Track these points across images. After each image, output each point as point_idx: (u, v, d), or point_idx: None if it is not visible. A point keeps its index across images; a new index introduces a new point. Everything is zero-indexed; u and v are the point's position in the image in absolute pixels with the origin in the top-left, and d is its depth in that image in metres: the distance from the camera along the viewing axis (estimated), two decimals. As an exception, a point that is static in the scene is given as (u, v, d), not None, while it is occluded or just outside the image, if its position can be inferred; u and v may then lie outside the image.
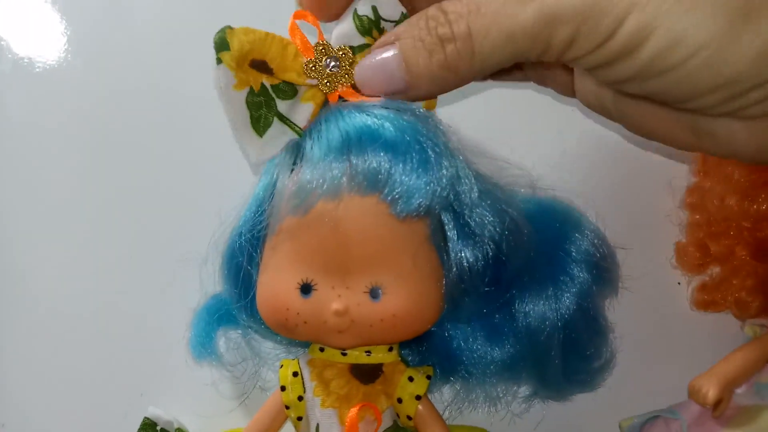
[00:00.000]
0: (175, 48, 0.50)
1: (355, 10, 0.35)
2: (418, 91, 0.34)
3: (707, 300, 0.48)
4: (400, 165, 0.33)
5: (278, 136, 0.36)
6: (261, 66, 0.34)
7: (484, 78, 0.40)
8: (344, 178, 0.34)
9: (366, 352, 0.38)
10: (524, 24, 0.29)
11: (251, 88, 0.34)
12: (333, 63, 0.35)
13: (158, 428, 0.43)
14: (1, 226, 0.48)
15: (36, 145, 0.49)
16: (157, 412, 0.43)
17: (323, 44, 0.35)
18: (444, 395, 0.43)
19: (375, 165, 0.33)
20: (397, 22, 0.35)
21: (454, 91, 0.34)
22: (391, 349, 0.39)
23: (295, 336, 0.38)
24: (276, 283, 0.37)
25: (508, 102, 0.50)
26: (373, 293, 0.36)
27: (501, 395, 0.42)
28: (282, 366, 0.39)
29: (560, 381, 0.41)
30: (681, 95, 0.29)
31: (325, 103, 0.36)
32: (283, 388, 0.39)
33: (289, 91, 0.35)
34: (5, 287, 0.48)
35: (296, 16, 0.35)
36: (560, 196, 0.41)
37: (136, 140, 0.49)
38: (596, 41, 0.29)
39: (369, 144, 0.34)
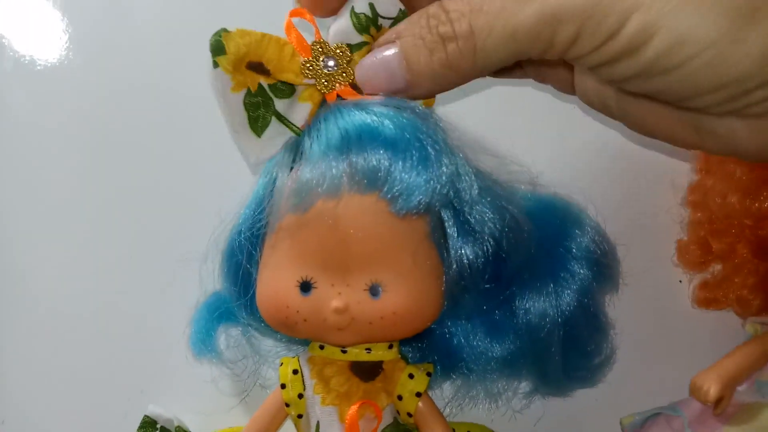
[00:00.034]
0: (176, 47, 0.50)
1: (352, 7, 0.35)
2: (419, 90, 0.34)
3: (709, 298, 0.48)
4: (400, 163, 0.33)
5: (276, 135, 0.36)
6: (258, 68, 0.34)
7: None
8: (344, 177, 0.34)
9: (366, 349, 0.38)
10: (527, 22, 0.29)
11: (248, 89, 0.34)
12: (331, 62, 0.35)
13: (158, 426, 0.43)
14: (1, 224, 0.48)
15: (36, 144, 0.49)
16: (157, 410, 0.43)
17: (320, 43, 0.35)
18: (444, 392, 0.43)
19: (375, 163, 0.33)
20: (394, 20, 0.35)
21: (455, 89, 0.34)
22: (391, 347, 0.39)
23: (295, 334, 0.38)
24: (276, 281, 0.37)
25: (509, 100, 0.50)
26: (373, 291, 0.36)
27: (501, 392, 0.42)
28: (282, 364, 0.39)
29: (560, 377, 0.41)
30: (684, 94, 0.29)
31: (323, 102, 0.36)
32: (283, 386, 0.39)
33: (287, 89, 0.35)
34: (5, 285, 0.48)
35: (293, 13, 0.35)
36: (560, 193, 0.41)
37: (136, 139, 0.49)
38: (599, 40, 0.29)
39: (369, 142, 0.34)
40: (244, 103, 0.35)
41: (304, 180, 0.34)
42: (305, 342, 0.41)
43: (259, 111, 0.35)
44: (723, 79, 0.28)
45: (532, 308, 0.39)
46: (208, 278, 0.41)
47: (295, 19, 0.35)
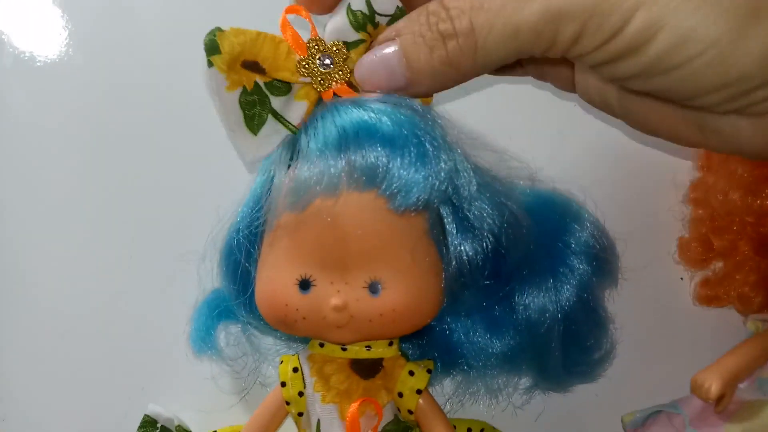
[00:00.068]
0: (176, 44, 0.49)
1: (349, 4, 0.35)
2: (419, 88, 0.34)
3: (710, 295, 0.47)
4: (398, 159, 0.33)
5: (273, 133, 0.36)
6: (253, 66, 0.34)
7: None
8: (342, 175, 0.34)
9: (366, 347, 0.38)
10: (529, 19, 0.29)
11: (244, 87, 0.34)
12: (327, 60, 0.35)
13: (158, 425, 0.43)
14: (1, 222, 0.48)
15: (35, 142, 0.49)
16: (157, 409, 0.43)
17: (316, 40, 0.35)
18: (445, 388, 0.43)
19: (373, 160, 0.33)
20: (392, 17, 0.35)
21: (455, 87, 0.34)
22: (391, 344, 0.39)
23: (295, 332, 0.38)
24: (274, 279, 0.37)
25: (510, 98, 0.50)
26: (372, 288, 0.36)
27: (502, 388, 0.42)
28: (282, 362, 0.39)
29: (560, 373, 0.41)
30: (687, 93, 0.29)
31: (319, 100, 0.36)
32: (283, 384, 0.39)
33: (283, 87, 0.35)
34: (6, 283, 0.48)
35: (288, 10, 0.35)
36: (559, 188, 0.41)
37: (134, 138, 0.49)
38: (603, 38, 0.29)
39: (366, 139, 0.33)
40: (240, 102, 0.35)
41: (302, 178, 0.34)
42: (305, 340, 0.41)
43: (255, 109, 0.35)
44: (725, 78, 0.28)
45: (531, 304, 0.39)
46: (207, 277, 0.41)
47: (290, 16, 0.35)
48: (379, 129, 0.33)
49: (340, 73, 0.35)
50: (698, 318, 0.48)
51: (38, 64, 0.50)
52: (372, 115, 0.34)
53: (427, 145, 0.33)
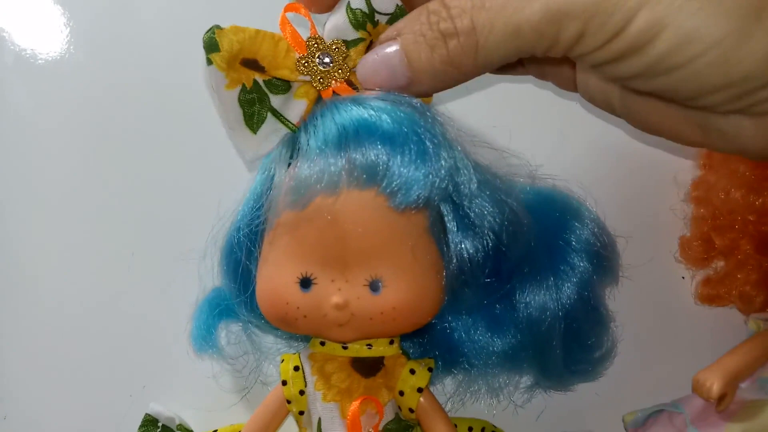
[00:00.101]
0: (177, 42, 0.49)
1: (349, 2, 0.35)
2: (420, 87, 0.34)
3: (711, 294, 0.47)
4: (398, 157, 0.33)
5: (272, 132, 0.36)
6: (252, 64, 0.34)
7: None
8: (342, 173, 0.34)
9: (367, 345, 0.38)
10: (531, 18, 0.29)
11: (243, 85, 0.34)
12: (326, 59, 0.35)
13: (159, 425, 0.43)
14: (1, 221, 0.49)
15: (37, 139, 0.49)
16: (158, 408, 0.43)
17: (316, 39, 0.35)
18: (446, 387, 0.43)
19: (373, 158, 0.33)
20: (391, 15, 0.35)
21: (457, 86, 0.34)
22: (392, 342, 0.39)
23: (296, 330, 0.38)
24: (275, 277, 0.37)
25: (512, 97, 0.50)
26: (373, 286, 0.36)
27: (503, 386, 0.42)
28: (283, 360, 0.39)
29: (561, 371, 0.41)
30: (690, 93, 0.29)
31: (319, 99, 0.36)
32: (284, 383, 0.39)
33: (282, 86, 0.35)
34: (6, 282, 0.48)
35: (288, 8, 0.35)
36: (559, 186, 0.41)
37: (135, 135, 0.49)
38: (605, 37, 0.29)
39: (366, 137, 0.33)
40: (239, 100, 0.35)
41: (303, 176, 0.34)
42: (306, 338, 0.41)
43: (254, 107, 0.35)
44: (728, 78, 0.28)
45: (532, 302, 0.39)
46: (208, 275, 0.41)
47: (290, 15, 0.35)
48: (379, 127, 0.33)
49: (340, 71, 0.35)
50: (699, 317, 0.48)
51: (39, 62, 0.50)
52: (372, 112, 0.34)
53: (427, 143, 0.33)
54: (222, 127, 0.36)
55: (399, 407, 0.39)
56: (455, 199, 0.35)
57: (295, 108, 0.36)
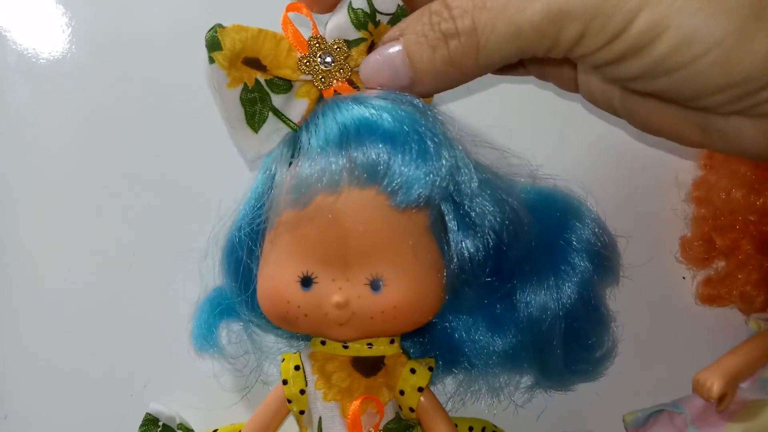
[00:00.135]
0: (178, 41, 0.49)
1: (350, 2, 0.35)
2: (422, 87, 0.34)
3: (712, 294, 0.47)
4: (399, 156, 0.33)
5: (274, 131, 0.36)
6: (254, 63, 0.34)
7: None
8: (343, 171, 0.34)
9: (367, 344, 0.38)
10: (532, 19, 0.29)
11: (245, 84, 0.34)
12: (328, 58, 0.35)
13: (160, 424, 0.43)
14: (2, 220, 0.49)
15: (38, 138, 0.49)
16: (159, 407, 0.43)
17: (317, 38, 0.35)
18: (446, 387, 0.43)
19: (374, 157, 0.33)
20: (393, 16, 0.35)
21: (459, 87, 0.34)
22: (392, 342, 0.39)
23: (296, 329, 0.38)
24: (276, 276, 0.37)
25: (512, 97, 0.50)
26: (374, 285, 0.36)
27: (503, 386, 0.42)
28: (284, 360, 0.39)
29: (562, 371, 0.41)
30: (690, 93, 0.29)
31: (320, 98, 0.36)
32: (285, 382, 0.39)
33: (284, 85, 0.35)
34: (7, 281, 0.48)
35: (290, 8, 0.35)
36: (560, 185, 0.41)
37: (137, 135, 0.49)
38: (606, 38, 0.29)
39: (367, 136, 0.33)
40: (241, 99, 0.35)
41: (304, 175, 0.34)
42: (307, 338, 0.41)
43: (255, 106, 0.35)
44: (729, 79, 0.28)
45: (533, 301, 0.39)
46: (209, 275, 0.41)
47: (291, 14, 0.35)
48: (380, 126, 0.33)
49: (341, 71, 0.35)
50: (700, 317, 0.48)
51: (41, 61, 0.50)
52: (373, 111, 0.34)
53: (428, 142, 0.33)
54: (223, 127, 0.36)
55: (399, 407, 0.39)
56: (456, 198, 0.35)
57: (297, 107, 0.36)
